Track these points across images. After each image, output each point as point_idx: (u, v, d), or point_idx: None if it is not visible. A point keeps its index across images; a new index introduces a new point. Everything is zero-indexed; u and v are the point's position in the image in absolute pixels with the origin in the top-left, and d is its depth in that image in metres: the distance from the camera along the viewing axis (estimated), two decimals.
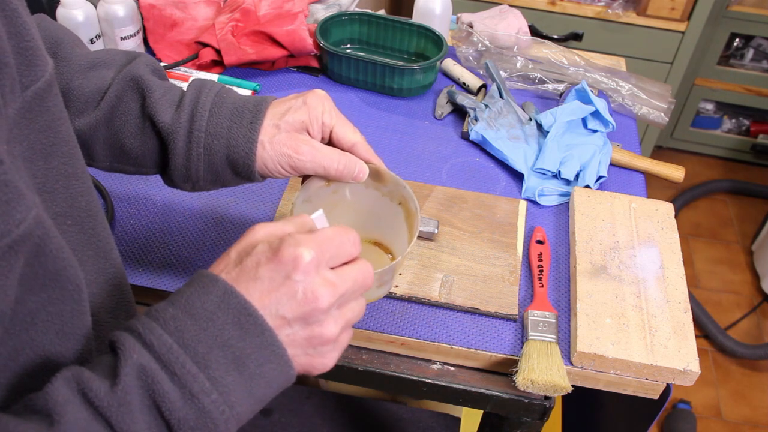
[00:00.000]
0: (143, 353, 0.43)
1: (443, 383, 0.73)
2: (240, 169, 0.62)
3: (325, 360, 0.49)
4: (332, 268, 0.49)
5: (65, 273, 0.45)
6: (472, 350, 0.72)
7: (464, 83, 1.11)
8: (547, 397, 0.72)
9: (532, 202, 0.91)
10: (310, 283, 0.46)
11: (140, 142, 0.63)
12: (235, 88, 1.04)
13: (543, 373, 0.67)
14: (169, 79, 1.07)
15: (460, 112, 1.06)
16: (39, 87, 0.44)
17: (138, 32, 1.05)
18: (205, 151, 0.62)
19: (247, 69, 1.10)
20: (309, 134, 0.63)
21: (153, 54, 1.12)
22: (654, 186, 0.99)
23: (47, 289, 0.44)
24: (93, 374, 0.42)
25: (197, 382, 0.43)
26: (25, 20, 0.43)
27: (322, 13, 1.18)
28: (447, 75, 1.14)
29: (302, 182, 0.66)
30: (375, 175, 0.66)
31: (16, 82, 0.42)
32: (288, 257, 0.46)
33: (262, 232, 0.49)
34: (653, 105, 1.08)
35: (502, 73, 1.10)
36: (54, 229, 0.43)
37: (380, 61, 1.04)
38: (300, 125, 0.62)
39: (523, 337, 0.73)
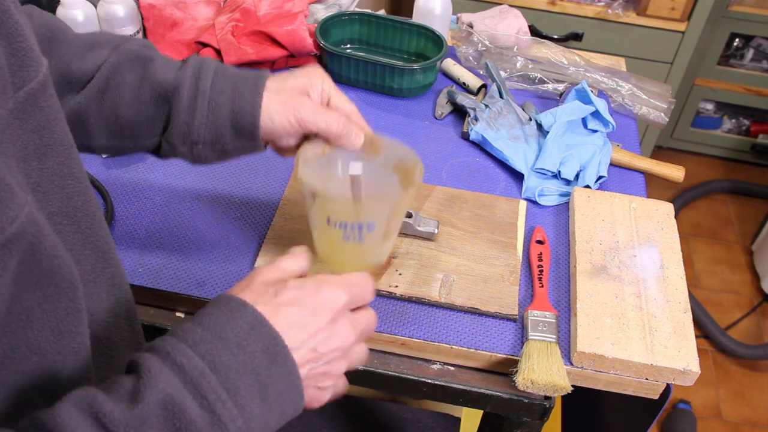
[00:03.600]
0: (171, 379, 0.43)
1: (443, 383, 0.73)
2: (243, 124, 0.63)
3: (322, 395, 0.52)
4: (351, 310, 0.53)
5: (60, 271, 0.45)
6: (472, 350, 0.72)
7: (464, 83, 1.11)
8: (547, 397, 0.72)
9: (532, 202, 0.91)
10: (343, 323, 0.51)
11: (136, 111, 0.63)
12: None
13: (543, 373, 0.67)
14: None
15: (460, 112, 1.06)
16: (32, 87, 0.44)
17: (138, 32, 1.05)
18: (210, 106, 0.62)
19: (247, 69, 1.10)
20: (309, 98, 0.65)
21: None
22: (654, 186, 0.99)
23: (42, 287, 0.44)
24: (107, 397, 0.42)
25: (226, 409, 0.43)
26: (18, 21, 0.43)
27: (322, 13, 1.18)
28: (447, 75, 1.14)
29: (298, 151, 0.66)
30: (368, 144, 0.66)
31: (8, 82, 0.42)
32: (328, 297, 0.50)
33: (285, 266, 0.54)
34: (653, 105, 1.08)
35: (502, 73, 1.10)
36: (48, 227, 0.43)
37: (380, 61, 1.04)
38: (302, 88, 0.65)
39: (523, 337, 0.73)
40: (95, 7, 1.02)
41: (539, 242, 0.83)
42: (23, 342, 0.44)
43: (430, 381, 0.73)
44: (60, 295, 0.45)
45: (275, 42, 1.06)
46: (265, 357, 0.46)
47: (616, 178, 0.96)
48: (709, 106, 2.51)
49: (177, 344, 0.44)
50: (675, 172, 0.98)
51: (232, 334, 0.46)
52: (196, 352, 0.44)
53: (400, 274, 0.77)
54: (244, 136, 0.64)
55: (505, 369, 0.72)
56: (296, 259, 0.55)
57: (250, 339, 0.46)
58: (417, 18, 1.14)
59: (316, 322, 0.49)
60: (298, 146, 0.67)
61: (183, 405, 0.42)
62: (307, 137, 0.66)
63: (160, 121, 0.64)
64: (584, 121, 0.98)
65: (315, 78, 0.65)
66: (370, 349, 0.75)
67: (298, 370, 0.48)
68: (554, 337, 0.71)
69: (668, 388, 0.71)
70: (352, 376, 0.75)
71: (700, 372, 0.69)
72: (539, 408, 0.72)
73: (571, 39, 1.89)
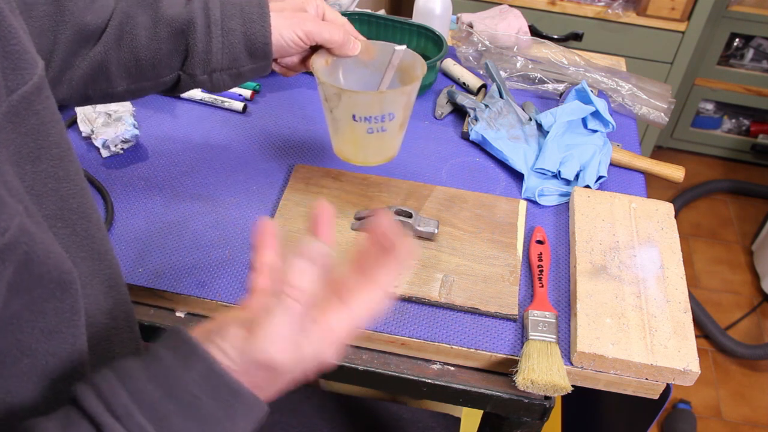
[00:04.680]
0: None
1: (443, 383, 0.73)
2: (257, 45, 0.68)
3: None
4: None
5: (49, 275, 0.44)
6: (472, 350, 0.72)
7: (464, 83, 1.11)
8: (547, 397, 0.72)
9: (532, 202, 0.91)
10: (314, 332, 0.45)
11: (155, 50, 0.68)
12: (235, 88, 1.04)
13: (543, 373, 0.67)
14: None
15: (460, 112, 1.06)
16: (26, 90, 0.44)
17: None
18: (223, 32, 0.67)
19: None
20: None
21: None
22: (654, 186, 0.99)
23: (31, 291, 0.43)
24: None
25: None
26: (11, 23, 0.43)
27: None
28: (447, 75, 1.14)
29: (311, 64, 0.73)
30: (364, 50, 0.75)
31: (0, 86, 0.42)
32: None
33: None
34: (653, 105, 1.08)
35: (502, 73, 1.10)
36: (40, 234, 0.42)
37: None
38: (300, 5, 0.71)
39: (523, 337, 0.73)
40: None
41: (539, 242, 0.83)
42: (14, 344, 0.44)
43: (430, 381, 0.73)
44: (49, 296, 0.45)
45: None
46: (225, 411, 0.42)
47: (616, 178, 0.96)
48: (709, 106, 2.51)
49: (129, 407, 0.41)
50: (675, 172, 0.98)
51: (185, 392, 0.42)
52: (150, 420, 0.41)
53: (400, 274, 0.77)
54: (257, 56, 0.69)
55: (505, 369, 0.72)
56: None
57: (205, 395, 0.42)
58: (417, 18, 1.14)
59: (283, 360, 0.44)
60: (300, 62, 0.75)
61: None
62: (309, 53, 0.73)
63: (178, 54, 0.68)
64: (584, 121, 0.98)
65: None
66: (370, 349, 0.75)
67: (264, 406, 0.45)
68: (554, 337, 0.71)
69: (668, 388, 0.71)
70: (354, 376, 0.75)
71: (700, 372, 0.69)
72: (539, 408, 0.72)
73: (571, 39, 1.89)
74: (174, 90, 0.73)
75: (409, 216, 0.81)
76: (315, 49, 0.73)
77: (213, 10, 0.67)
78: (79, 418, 0.41)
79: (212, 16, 0.67)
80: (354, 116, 0.72)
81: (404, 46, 0.75)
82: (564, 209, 0.90)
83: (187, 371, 0.42)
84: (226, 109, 1.03)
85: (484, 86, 1.10)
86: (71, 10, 0.65)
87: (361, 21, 1.12)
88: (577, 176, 0.92)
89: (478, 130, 0.98)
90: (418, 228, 0.80)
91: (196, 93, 1.03)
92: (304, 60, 0.75)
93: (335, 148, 0.80)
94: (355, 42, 0.73)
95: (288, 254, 0.44)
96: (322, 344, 0.45)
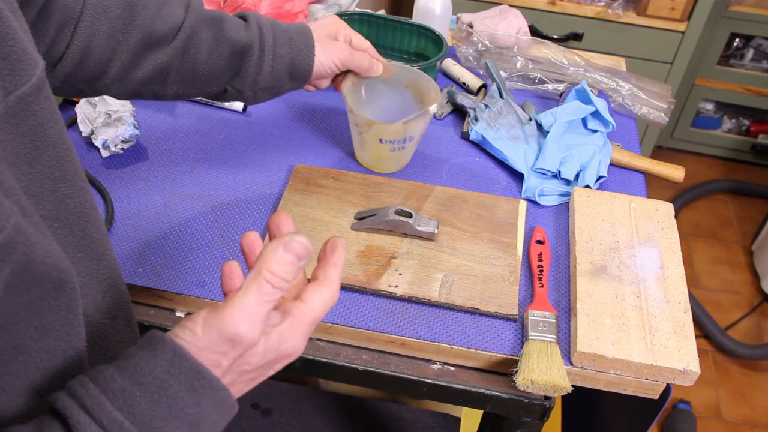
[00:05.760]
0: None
1: (443, 383, 0.73)
2: (300, 71, 0.79)
3: (262, 379, 0.50)
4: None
5: (48, 276, 0.44)
6: (472, 350, 0.72)
7: (464, 83, 1.11)
8: (547, 397, 0.72)
9: (532, 202, 0.91)
10: (275, 335, 0.47)
11: (213, 65, 0.76)
12: None
13: (543, 373, 0.67)
14: None
15: (460, 112, 1.06)
16: (24, 92, 0.44)
17: None
18: (274, 57, 0.77)
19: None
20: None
21: None
22: (654, 186, 0.99)
23: (28, 291, 0.43)
24: None
25: None
26: (11, 24, 0.43)
27: (322, 13, 1.18)
28: (447, 75, 1.14)
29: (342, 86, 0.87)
30: (384, 70, 0.88)
31: None
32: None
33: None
34: (653, 105, 1.08)
35: (502, 73, 1.10)
36: (37, 234, 0.42)
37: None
38: (333, 34, 0.83)
39: (523, 337, 0.73)
40: None
41: (539, 242, 0.83)
42: (9, 342, 0.44)
43: (430, 381, 0.73)
44: (45, 295, 0.45)
45: None
46: (191, 395, 0.43)
47: (616, 178, 0.96)
48: (709, 106, 2.51)
49: (97, 397, 0.42)
50: (675, 172, 0.98)
51: (151, 377, 0.43)
52: (115, 405, 0.42)
53: (400, 274, 0.77)
54: (298, 79, 0.80)
55: (505, 369, 0.72)
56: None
57: (171, 378, 0.43)
58: (417, 18, 1.14)
59: (249, 336, 0.45)
60: (329, 82, 0.86)
61: None
62: (337, 75, 0.85)
63: (231, 72, 0.77)
64: (584, 121, 0.98)
65: (338, 25, 0.83)
66: (370, 349, 0.75)
67: (230, 394, 0.45)
68: (554, 337, 0.71)
69: (668, 388, 0.71)
70: (354, 376, 0.75)
71: (700, 372, 0.69)
72: (539, 408, 0.72)
73: (571, 39, 1.89)
74: (216, 98, 0.81)
75: (409, 216, 0.81)
76: (343, 71, 0.85)
77: (267, 37, 0.77)
78: (50, 418, 0.42)
79: (266, 42, 0.77)
80: (381, 140, 0.87)
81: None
82: (564, 209, 0.90)
83: (154, 358, 0.43)
84: (226, 109, 1.03)
85: (484, 86, 1.10)
86: (143, 16, 0.71)
87: (361, 21, 1.12)
88: (577, 176, 0.92)
89: (478, 130, 0.98)
90: (418, 228, 0.80)
91: None
92: (332, 79, 0.87)
93: (358, 157, 0.95)
94: (378, 64, 0.86)
95: (273, 243, 0.45)
96: (289, 332, 0.46)
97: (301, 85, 0.82)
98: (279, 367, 0.49)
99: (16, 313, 0.43)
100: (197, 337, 0.44)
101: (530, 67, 1.11)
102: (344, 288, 0.76)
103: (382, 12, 1.18)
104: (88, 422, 0.41)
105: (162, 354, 0.44)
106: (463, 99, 1.03)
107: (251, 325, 0.44)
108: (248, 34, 0.76)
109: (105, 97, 0.91)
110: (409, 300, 0.76)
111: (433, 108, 0.88)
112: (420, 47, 1.11)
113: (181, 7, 0.75)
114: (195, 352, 0.44)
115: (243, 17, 0.79)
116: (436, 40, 1.09)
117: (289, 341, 0.47)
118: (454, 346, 0.72)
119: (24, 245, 0.41)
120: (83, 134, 0.93)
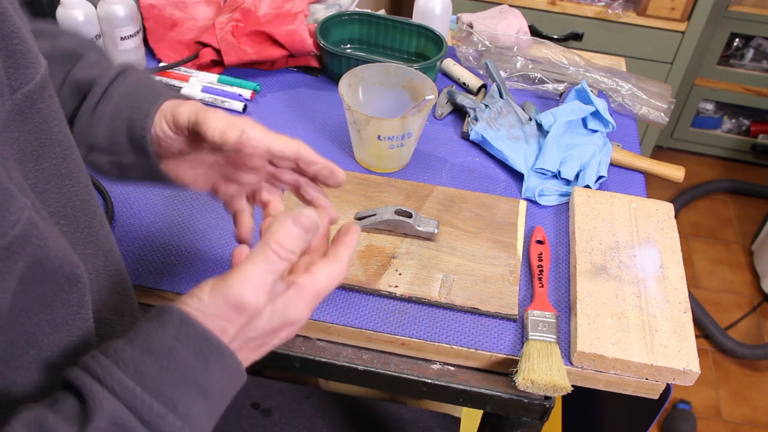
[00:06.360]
0: (112, 401, 0.42)
1: (443, 383, 0.73)
2: (136, 129, 0.57)
3: (268, 349, 0.51)
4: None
5: (61, 270, 0.45)
6: (472, 350, 0.72)
7: (464, 83, 1.11)
8: (547, 397, 0.72)
9: (532, 202, 0.91)
10: (282, 302, 0.48)
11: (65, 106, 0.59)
12: (234, 88, 1.04)
13: (543, 373, 0.67)
14: (169, 80, 1.07)
15: (460, 112, 1.06)
16: (29, 89, 0.44)
17: (138, 32, 1.05)
18: (113, 110, 0.58)
19: (247, 69, 1.10)
20: None
21: (153, 54, 1.11)
22: (654, 186, 0.99)
23: (42, 284, 0.44)
24: (58, 418, 0.41)
25: (168, 423, 0.42)
26: (15, 23, 0.43)
27: (322, 13, 1.18)
28: (447, 75, 1.14)
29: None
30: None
31: (4, 85, 0.42)
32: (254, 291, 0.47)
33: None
34: (653, 105, 1.08)
35: (502, 73, 1.10)
36: (48, 229, 0.43)
37: (380, 61, 1.04)
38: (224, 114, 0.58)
39: (523, 337, 0.73)
40: (95, 7, 1.02)
41: (539, 242, 0.83)
42: (22, 336, 0.44)
43: (430, 381, 0.73)
44: (57, 289, 0.45)
45: (275, 42, 1.06)
46: (199, 360, 0.44)
47: (616, 178, 0.96)
48: (709, 106, 2.51)
49: (109, 367, 0.43)
50: (675, 172, 0.98)
51: (160, 345, 0.44)
52: (127, 373, 0.43)
53: (400, 274, 0.77)
54: (136, 147, 0.58)
55: (505, 369, 0.72)
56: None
57: (179, 345, 0.44)
58: (417, 18, 1.14)
59: (254, 303, 0.46)
60: (208, 184, 0.65)
61: (128, 425, 0.42)
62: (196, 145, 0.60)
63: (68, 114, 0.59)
64: (584, 121, 0.98)
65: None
66: (370, 349, 0.75)
67: (238, 359, 0.46)
68: (554, 337, 0.71)
69: (668, 388, 0.71)
70: (354, 376, 0.75)
71: (700, 372, 0.69)
72: (539, 408, 0.72)
73: (571, 39, 1.89)
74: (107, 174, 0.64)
75: (409, 216, 0.81)
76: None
77: (117, 83, 0.60)
78: (63, 392, 0.43)
79: (112, 89, 0.59)
80: (379, 136, 0.87)
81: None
82: (564, 209, 0.90)
83: (162, 327, 0.44)
84: (226, 110, 1.03)
85: (484, 86, 1.10)
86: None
87: (361, 21, 1.12)
88: (577, 176, 0.92)
89: (478, 130, 0.98)
90: (418, 228, 0.80)
91: (197, 93, 1.03)
92: (209, 179, 0.67)
93: (357, 157, 0.94)
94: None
95: (282, 215, 0.47)
96: (294, 300, 0.48)
97: (144, 160, 0.58)
98: (284, 336, 0.50)
99: (30, 307, 0.44)
100: (204, 303, 0.45)
101: (530, 67, 1.11)
102: (344, 288, 0.76)
103: (382, 12, 1.18)
104: (101, 390, 0.42)
105: (170, 322, 0.45)
106: (463, 99, 1.03)
107: (256, 293, 0.45)
108: (100, 74, 0.60)
109: None
110: (409, 300, 0.76)
111: (430, 97, 0.88)
112: (420, 47, 1.11)
113: (47, 39, 0.61)
114: (202, 318, 0.45)
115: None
116: (436, 40, 1.09)
117: (294, 308, 0.48)
118: (454, 346, 0.72)
119: (37, 239, 0.41)
120: None
